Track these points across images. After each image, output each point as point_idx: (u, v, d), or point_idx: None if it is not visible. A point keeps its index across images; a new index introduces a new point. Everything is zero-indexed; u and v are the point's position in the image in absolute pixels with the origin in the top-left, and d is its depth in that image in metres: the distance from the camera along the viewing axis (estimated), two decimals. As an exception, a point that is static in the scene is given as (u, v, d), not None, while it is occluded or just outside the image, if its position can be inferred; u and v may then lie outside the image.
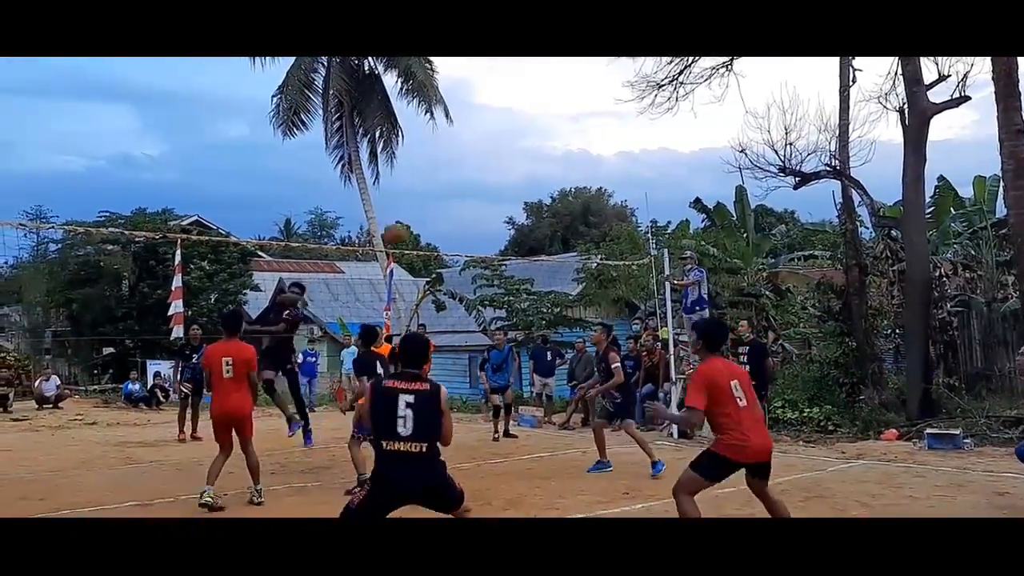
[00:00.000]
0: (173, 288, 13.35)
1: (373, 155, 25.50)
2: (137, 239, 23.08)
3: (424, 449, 4.36)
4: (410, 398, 4.39)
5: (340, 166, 25.77)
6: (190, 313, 20.16)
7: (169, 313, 13.40)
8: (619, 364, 9.13)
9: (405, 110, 32.00)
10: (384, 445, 4.40)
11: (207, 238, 20.54)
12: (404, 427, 4.35)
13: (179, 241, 13.83)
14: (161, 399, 19.95)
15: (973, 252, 17.49)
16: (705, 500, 5.16)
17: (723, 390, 4.95)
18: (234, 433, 7.22)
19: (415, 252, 30.28)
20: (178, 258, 13.23)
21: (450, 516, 4.54)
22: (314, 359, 19.28)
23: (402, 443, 4.35)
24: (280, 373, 9.36)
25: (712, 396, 4.96)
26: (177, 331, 13.29)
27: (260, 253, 32.54)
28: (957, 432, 10.34)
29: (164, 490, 8.12)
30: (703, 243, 19.90)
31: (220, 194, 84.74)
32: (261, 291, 28.75)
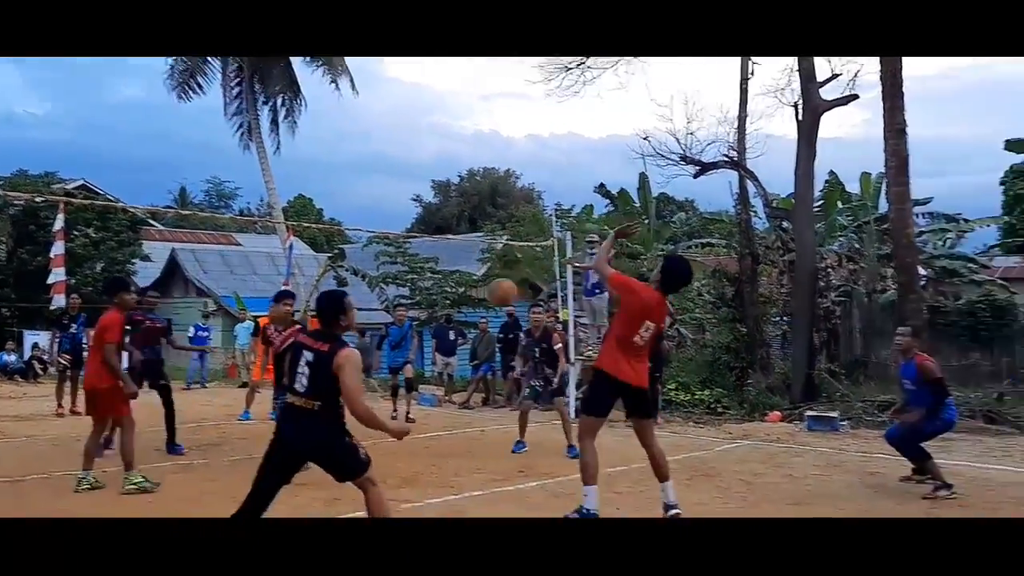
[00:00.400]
0: (53, 255, 12.59)
1: (275, 123, 24.73)
2: (15, 202, 21.72)
3: (317, 407, 4.36)
4: (311, 356, 4.40)
5: (239, 133, 24.92)
6: (73, 282, 19.14)
7: (49, 281, 12.63)
8: (562, 345, 9.25)
9: (309, 79, 31.17)
10: (286, 398, 4.52)
11: (92, 203, 19.42)
12: (301, 383, 4.39)
13: (62, 205, 13.02)
14: (39, 371, 18.96)
15: (857, 245, 18.44)
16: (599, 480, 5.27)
17: (635, 319, 5.18)
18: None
19: (317, 226, 29.60)
20: (60, 223, 12.43)
21: (353, 484, 4.49)
22: (206, 334, 18.58)
23: (298, 398, 4.41)
24: (151, 387, 8.44)
25: (626, 311, 5.28)
26: (58, 300, 12.53)
27: (151, 221, 31.16)
28: (835, 415, 10.90)
29: (37, 466, 7.69)
30: (606, 228, 20.20)
31: (111, 157, 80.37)
32: (152, 261, 27.62)
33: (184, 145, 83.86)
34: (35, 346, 20.32)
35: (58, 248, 12.45)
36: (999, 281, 18.41)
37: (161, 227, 32.87)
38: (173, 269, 27.58)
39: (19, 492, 6.73)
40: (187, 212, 30.28)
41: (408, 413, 11.71)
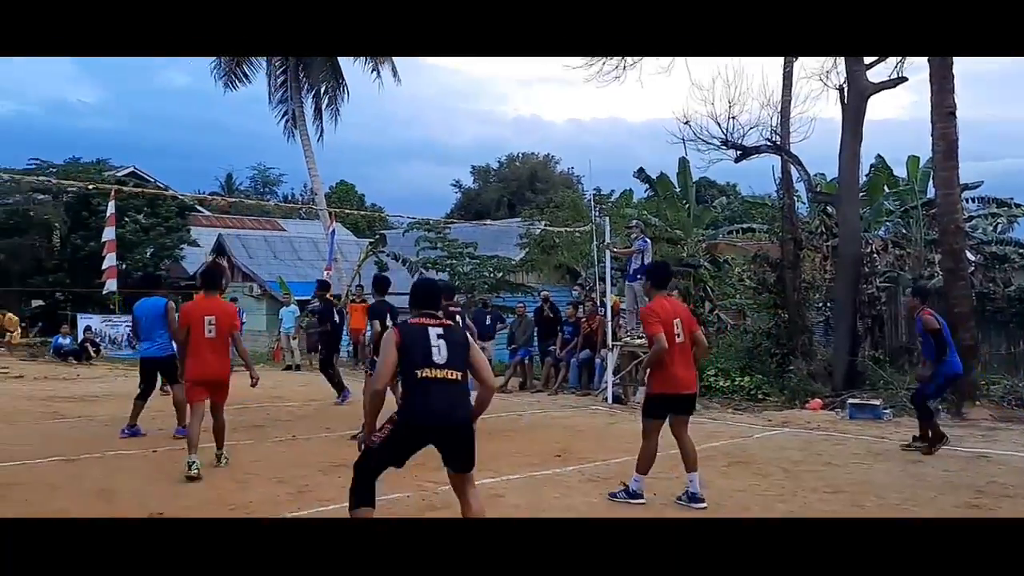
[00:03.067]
0: (105, 241, 12.99)
1: (318, 111, 25.11)
2: (69, 189, 22.33)
3: (460, 378, 4.30)
4: (439, 330, 4.33)
5: (284, 121, 25.33)
6: (124, 267, 19.64)
7: (104, 266, 13.05)
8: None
9: (352, 67, 31.50)
10: (419, 374, 4.20)
11: (142, 190, 19.90)
12: (439, 355, 4.25)
13: (112, 192, 13.40)
14: (92, 353, 19.54)
15: (904, 230, 18.07)
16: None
17: (666, 326, 5.59)
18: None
19: (359, 212, 29.92)
20: (111, 209, 12.84)
21: (457, 478, 4.39)
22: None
23: (439, 370, 4.22)
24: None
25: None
26: (110, 285, 12.96)
27: (199, 208, 31.79)
28: (877, 403, 10.74)
29: (91, 445, 7.96)
30: (645, 212, 20.10)
31: (160, 145, 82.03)
32: (199, 246, 28.23)
33: (230, 133, 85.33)
34: (88, 329, 20.91)
35: (109, 234, 12.83)
36: (1052, 267, 17.92)
37: (208, 213, 33.51)
38: (220, 254, 28.15)
39: (74, 469, 6.98)
40: (233, 199, 30.74)
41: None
